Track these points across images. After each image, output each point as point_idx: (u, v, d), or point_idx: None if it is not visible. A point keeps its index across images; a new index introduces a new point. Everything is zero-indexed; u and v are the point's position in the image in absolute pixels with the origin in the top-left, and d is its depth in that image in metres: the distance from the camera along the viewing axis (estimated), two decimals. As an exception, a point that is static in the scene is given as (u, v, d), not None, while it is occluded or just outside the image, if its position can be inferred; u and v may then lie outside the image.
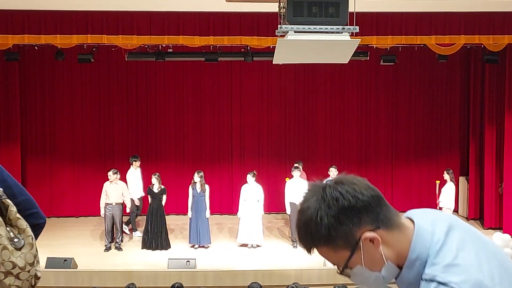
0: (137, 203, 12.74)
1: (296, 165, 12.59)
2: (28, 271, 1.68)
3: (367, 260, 1.63)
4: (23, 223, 1.72)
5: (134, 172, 12.76)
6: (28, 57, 13.48)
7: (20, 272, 1.65)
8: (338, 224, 1.60)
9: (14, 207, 1.73)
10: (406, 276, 1.64)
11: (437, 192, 12.55)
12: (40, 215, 1.91)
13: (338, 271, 1.70)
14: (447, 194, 12.28)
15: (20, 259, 1.66)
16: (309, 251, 1.69)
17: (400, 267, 1.66)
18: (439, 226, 1.66)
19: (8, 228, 1.69)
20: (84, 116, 14.35)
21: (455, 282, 1.53)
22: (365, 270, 1.65)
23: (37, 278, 1.71)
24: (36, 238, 1.87)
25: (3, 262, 1.63)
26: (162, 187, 12.12)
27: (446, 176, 12.37)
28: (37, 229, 1.89)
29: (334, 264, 1.70)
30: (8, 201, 1.72)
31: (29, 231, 1.73)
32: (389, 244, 1.63)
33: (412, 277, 1.63)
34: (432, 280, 1.55)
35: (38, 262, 1.74)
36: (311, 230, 1.63)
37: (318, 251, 1.67)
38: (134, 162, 12.86)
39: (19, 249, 1.68)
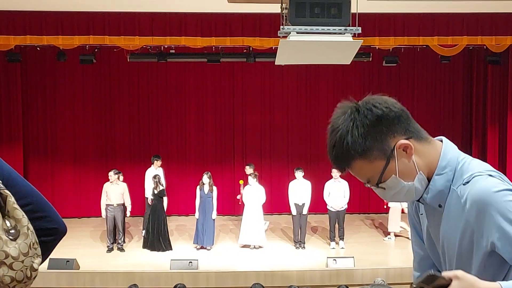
0: (149, 202, 12.64)
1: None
2: (22, 261, 1.64)
3: (401, 170, 1.70)
4: (19, 213, 1.69)
5: (154, 172, 12.73)
6: (30, 58, 13.49)
7: (13, 262, 1.62)
8: (373, 132, 1.68)
9: (13, 197, 1.71)
10: (436, 184, 1.71)
11: None
12: (51, 219, 1.83)
13: (371, 185, 1.75)
14: None
15: (14, 249, 1.63)
16: (343, 169, 1.76)
17: (428, 181, 1.73)
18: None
19: (7, 221, 1.67)
20: (86, 117, 14.35)
21: (502, 177, 1.65)
22: (399, 180, 1.71)
23: (33, 270, 1.67)
24: (50, 248, 1.80)
25: None
26: (162, 188, 12.10)
27: None
28: (49, 235, 1.81)
29: (368, 180, 1.74)
30: (7, 191, 1.69)
31: (25, 221, 1.69)
32: (420, 154, 1.71)
33: (442, 183, 1.71)
34: (479, 175, 1.64)
35: (38, 255, 1.71)
36: (347, 142, 1.70)
37: (353, 167, 1.73)
38: (155, 161, 12.79)
39: (15, 239, 1.66)
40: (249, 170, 12.73)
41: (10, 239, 1.64)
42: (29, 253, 1.67)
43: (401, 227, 12.41)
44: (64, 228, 1.88)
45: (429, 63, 14.19)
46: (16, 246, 1.65)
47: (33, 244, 1.69)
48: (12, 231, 1.66)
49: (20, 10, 10.61)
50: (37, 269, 1.69)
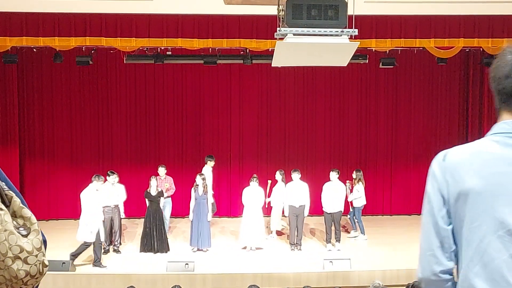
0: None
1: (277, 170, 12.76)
2: (36, 256, 1.66)
3: None
4: (27, 212, 1.71)
5: (208, 170, 12.86)
6: (26, 60, 13.47)
7: (28, 256, 1.64)
8: (493, 81, 2.13)
9: (18, 198, 1.72)
10: None
11: (348, 192, 12.70)
12: (39, 231, 1.85)
13: None
14: (359, 193, 12.74)
15: (28, 244, 1.65)
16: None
17: None
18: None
19: (14, 221, 1.68)
20: (83, 119, 14.32)
21: (447, 158, 2.12)
22: None
23: (45, 265, 1.69)
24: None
25: (10, 247, 1.61)
26: (160, 189, 12.08)
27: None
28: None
29: None
30: (11, 192, 1.71)
31: (34, 219, 1.71)
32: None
33: None
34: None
35: (44, 254, 1.72)
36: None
37: None
38: (208, 161, 13.03)
39: (26, 236, 1.67)
40: (162, 171, 12.65)
41: (22, 235, 1.65)
42: (41, 248, 1.69)
43: (282, 225, 13.06)
44: (45, 241, 1.88)
45: (426, 65, 14.22)
46: (29, 241, 1.66)
47: (42, 242, 1.71)
48: (21, 229, 1.67)
49: (16, 11, 10.59)
50: (47, 265, 1.71)
